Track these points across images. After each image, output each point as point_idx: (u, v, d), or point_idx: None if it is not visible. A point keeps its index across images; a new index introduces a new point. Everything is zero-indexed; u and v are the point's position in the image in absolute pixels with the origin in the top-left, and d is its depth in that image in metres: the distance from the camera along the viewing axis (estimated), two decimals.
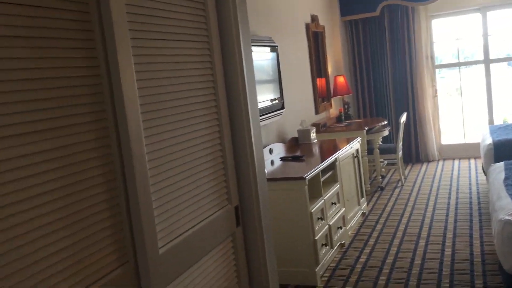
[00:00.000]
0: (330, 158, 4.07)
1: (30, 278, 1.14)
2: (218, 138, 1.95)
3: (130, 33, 1.48)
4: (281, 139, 4.85)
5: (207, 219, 1.83)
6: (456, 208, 4.91)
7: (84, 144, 1.35)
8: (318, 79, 6.07)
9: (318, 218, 3.70)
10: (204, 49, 1.89)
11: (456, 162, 7.01)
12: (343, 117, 6.43)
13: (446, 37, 7.30)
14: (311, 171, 3.62)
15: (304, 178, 3.49)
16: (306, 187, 3.52)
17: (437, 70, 7.32)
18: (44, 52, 1.23)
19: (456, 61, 7.38)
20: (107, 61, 1.42)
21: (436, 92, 7.23)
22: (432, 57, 7.19)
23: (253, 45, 2.75)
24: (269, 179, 3.30)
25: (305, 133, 5.02)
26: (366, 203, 5.18)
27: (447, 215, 4.73)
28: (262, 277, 2.08)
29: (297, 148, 4.82)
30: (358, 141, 4.98)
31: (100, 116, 1.41)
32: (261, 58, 4.34)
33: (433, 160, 7.19)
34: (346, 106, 6.66)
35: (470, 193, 5.37)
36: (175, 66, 1.71)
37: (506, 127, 5.69)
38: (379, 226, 4.64)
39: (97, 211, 1.37)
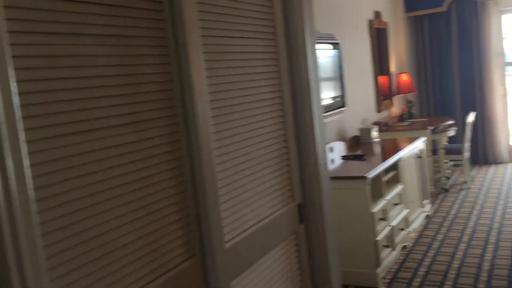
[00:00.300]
0: (392, 157, 3.97)
1: (106, 267, 1.19)
2: (282, 135, 1.95)
3: (200, 31, 1.50)
4: (342, 138, 4.79)
5: (271, 215, 1.84)
6: None
7: (156, 139, 1.39)
8: (380, 77, 5.94)
9: (380, 219, 3.62)
10: (270, 46, 1.89)
11: None
12: (406, 116, 6.26)
13: None
14: (373, 171, 3.55)
15: (366, 178, 3.43)
16: (368, 186, 3.45)
17: (506, 68, 6.96)
18: (122, 49, 1.27)
19: None
20: (178, 58, 1.45)
21: (506, 91, 6.87)
22: (502, 54, 6.84)
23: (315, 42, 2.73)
24: (330, 178, 3.26)
25: (366, 131, 4.93)
26: (429, 205, 5.01)
27: None
28: (324, 276, 2.07)
29: (358, 147, 4.74)
30: (422, 141, 4.83)
31: (171, 112, 1.44)
32: (323, 55, 4.30)
33: (502, 162, 6.84)
34: (409, 105, 6.48)
35: None
36: (242, 63, 1.72)
37: None
38: (443, 229, 4.48)
39: (167, 204, 1.41)
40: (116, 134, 1.24)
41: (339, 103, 4.55)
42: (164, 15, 1.42)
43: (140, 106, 1.33)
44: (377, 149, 4.55)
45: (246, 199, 1.70)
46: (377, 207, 3.57)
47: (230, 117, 1.64)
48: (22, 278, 0.94)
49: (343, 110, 4.63)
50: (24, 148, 0.96)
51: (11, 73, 0.94)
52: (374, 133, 4.94)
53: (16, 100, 0.95)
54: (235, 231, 1.64)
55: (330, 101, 4.34)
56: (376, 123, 5.59)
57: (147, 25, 1.36)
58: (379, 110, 5.87)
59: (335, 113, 4.45)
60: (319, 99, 2.11)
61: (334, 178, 3.51)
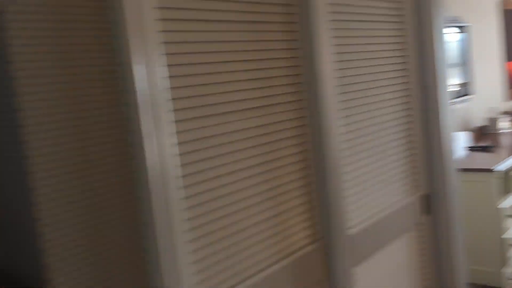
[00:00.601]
0: None
1: (238, 244, 1.25)
2: (409, 122, 1.88)
3: (329, 16, 1.50)
4: (467, 127, 4.50)
5: (396, 204, 1.79)
6: None
7: (283, 123, 1.41)
8: (510, 63, 5.45)
9: (508, 216, 3.35)
10: (398, 29, 1.83)
11: None
12: None
13: None
14: (501, 163, 3.29)
15: (493, 171, 3.19)
16: (495, 180, 3.21)
17: None
18: (254, 35, 1.31)
19: None
20: (307, 44, 1.46)
21: None
22: None
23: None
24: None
25: (495, 121, 4.57)
26: None
27: None
28: (449, 271, 1.97)
29: (485, 137, 4.42)
30: None
31: (298, 96, 1.46)
32: (449, 39, 4.06)
33: None
34: None
35: None
36: (370, 48, 1.69)
37: None
38: None
39: (292, 187, 1.44)
40: (247, 117, 1.28)
41: (465, 90, 4.28)
42: (294, 0, 1.43)
43: (269, 90, 1.36)
44: (507, 140, 4.20)
45: (370, 186, 1.68)
46: (505, 203, 3.31)
47: (357, 102, 1.62)
48: (172, 244, 1.02)
49: (469, 98, 4.34)
50: (172, 128, 1.04)
51: (163, 58, 1.02)
52: (504, 124, 4.57)
53: (166, 83, 1.02)
54: (358, 218, 1.62)
55: (454, 89, 4.10)
56: (506, 113, 5.16)
57: (278, 10, 1.39)
58: (509, 98, 5.41)
59: (460, 101, 4.19)
60: (445, 86, 2.00)
61: (459, 169, 3.32)
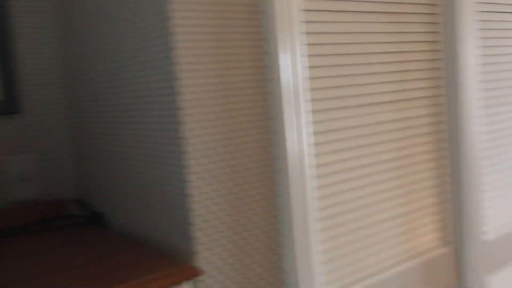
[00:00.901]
0: None
1: (365, 239, 1.23)
2: None
3: (475, 6, 1.41)
4: None
5: None
6: None
7: (419, 118, 1.36)
8: None
9: None
10: None
11: None
12: None
13: None
14: None
15: None
16: None
17: None
18: (392, 27, 1.28)
19: None
20: (450, 36, 1.39)
21: None
22: None
23: None
24: None
25: None
26: None
27: None
28: None
29: None
30: None
31: (435, 92, 1.40)
32: None
33: None
34: None
35: None
36: None
37: None
38: None
39: (425, 186, 1.38)
40: (382, 110, 1.26)
41: None
42: None
43: (406, 84, 1.32)
44: None
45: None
46: None
47: (501, 100, 1.51)
48: (305, 231, 1.04)
49: None
50: (309, 118, 1.05)
51: (304, 48, 1.03)
52: None
53: (306, 73, 1.04)
54: (496, 223, 1.51)
55: None
56: None
57: (418, 1, 1.34)
58: None
59: None
60: None
61: None
